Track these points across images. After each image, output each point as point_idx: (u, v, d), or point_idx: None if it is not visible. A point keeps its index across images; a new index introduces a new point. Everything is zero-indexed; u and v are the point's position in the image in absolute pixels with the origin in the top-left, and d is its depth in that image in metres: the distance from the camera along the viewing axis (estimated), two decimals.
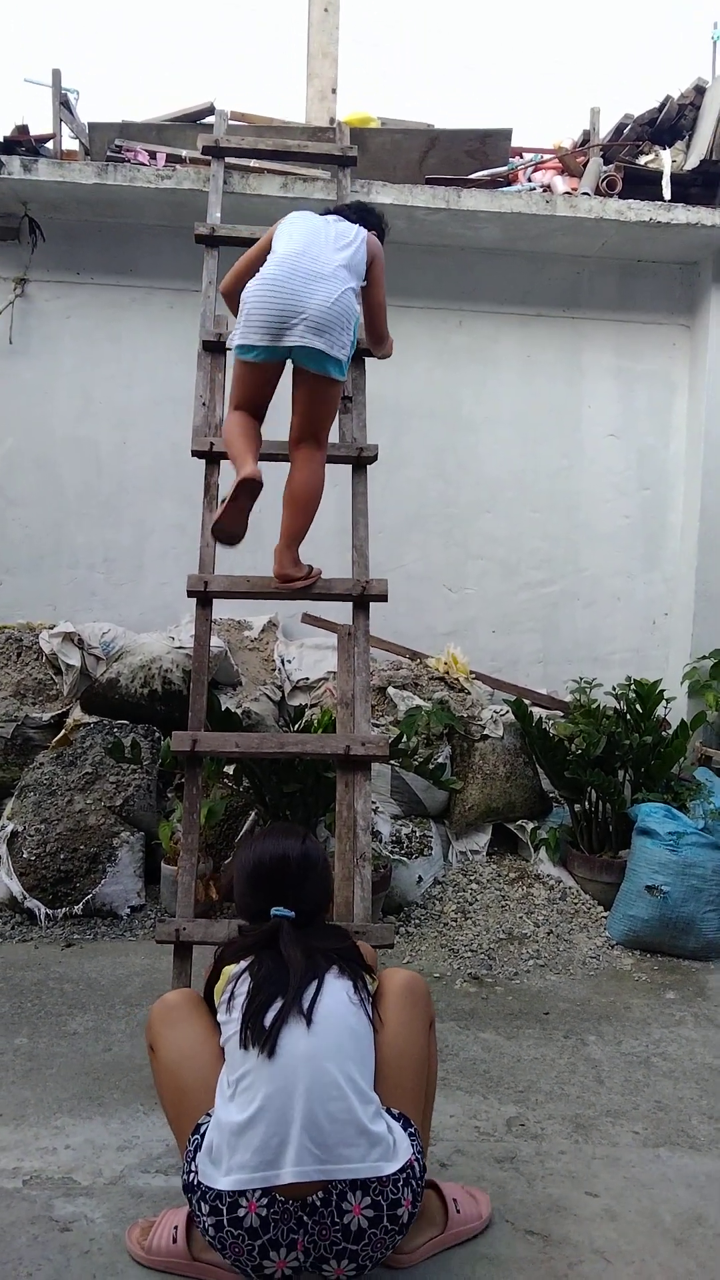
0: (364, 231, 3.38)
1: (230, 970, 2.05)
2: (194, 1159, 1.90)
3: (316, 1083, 1.83)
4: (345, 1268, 1.82)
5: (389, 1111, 1.94)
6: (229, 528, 3.13)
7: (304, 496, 3.26)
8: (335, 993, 1.96)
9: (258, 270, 3.22)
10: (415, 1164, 1.89)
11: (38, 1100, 2.73)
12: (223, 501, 3.14)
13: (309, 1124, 1.80)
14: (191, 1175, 1.89)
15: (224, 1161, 1.83)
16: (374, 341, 3.72)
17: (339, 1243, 1.80)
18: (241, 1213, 1.79)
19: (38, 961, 3.70)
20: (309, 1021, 1.88)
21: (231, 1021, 1.95)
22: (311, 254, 3.14)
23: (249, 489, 3.06)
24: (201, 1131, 1.93)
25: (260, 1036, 1.87)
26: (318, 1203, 1.80)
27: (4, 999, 3.36)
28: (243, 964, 2.03)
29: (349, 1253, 1.81)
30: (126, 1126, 2.60)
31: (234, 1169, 1.81)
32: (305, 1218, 1.80)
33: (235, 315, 3.38)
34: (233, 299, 3.48)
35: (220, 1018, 2.02)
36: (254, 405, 3.32)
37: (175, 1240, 2.04)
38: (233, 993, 1.99)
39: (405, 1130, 1.93)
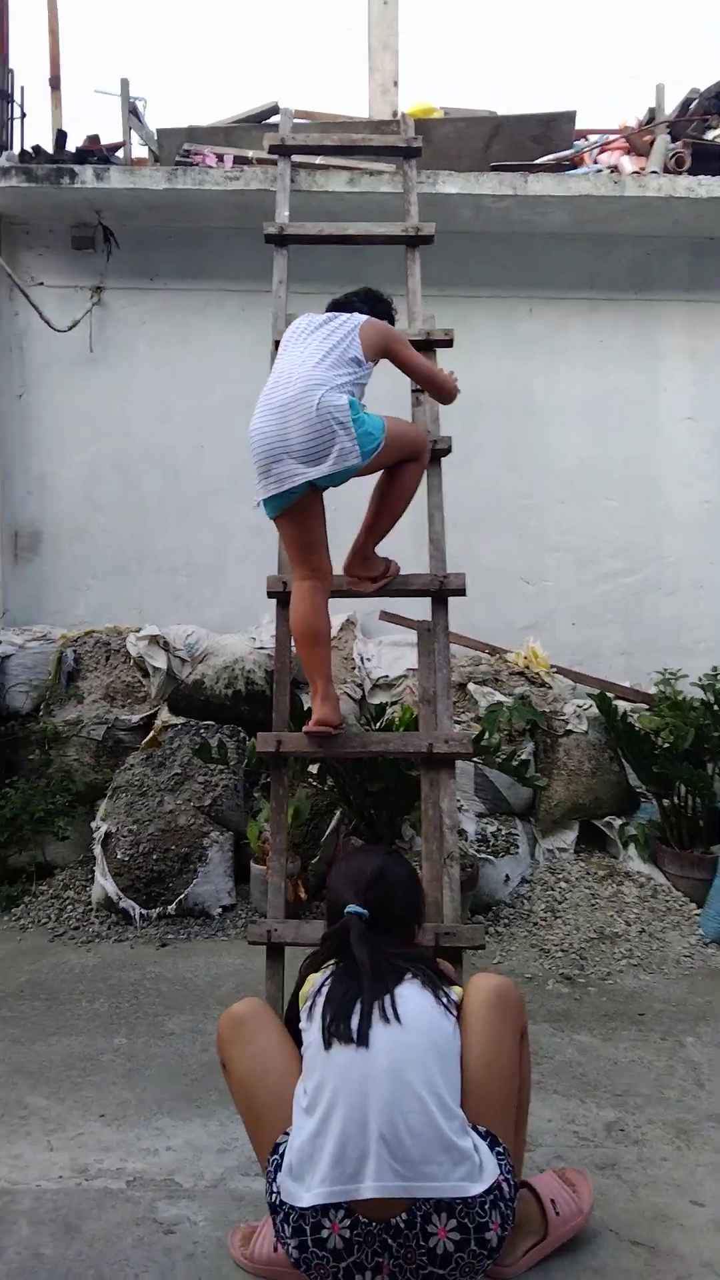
0: (356, 318, 3.04)
1: (314, 978, 2.04)
2: (275, 1179, 1.88)
3: (396, 1093, 1.78)
4: None
5: (475, 1129, 1.89)
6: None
7: (395, 495, 3.14)
8: (417, 1002, 1.91)
9: None
10: (504, 1184, 1.83)
11: (138, 1101, 2.78)
12: (305, 727, 3.01)
13: (389, 1136, 1.75)
14: (274, 1195, 1.86)
15: (305, 1178, 1.81)
16: (434, 395, 3.42)
17: (425, 1266, 1.75)
18: (325, 1234, 1.76)
19: (134, 961, 3.77)
20: (395, 1023, 1.85)
21: (312, 1029, 1.93)
22: (286, 378, 2.86)
23: (322, 740, 2.97)
24: (281, 1151, 1.90)
25: (343, 1034, 1.84)
26: (401, 1224, 1.75)
27: (103, 999, 3.44)
28: (325, 972, 2.02)
29: (436, 1277, 1.76)
30: (225, 1129, 2.63)
31: (314, 1184, 1.78)
32: (389, 1240, 1.75)
33: None
34: None
35: (303, 1025, 2.00)
36: (307, 556, 3.02)
37: (276, 1249, 2.03)
38: (314, 1000, 1.98)
39: (493, 1150, 1.87)
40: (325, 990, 1.96)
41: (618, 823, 4.68)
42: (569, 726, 4.73)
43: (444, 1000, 1.96)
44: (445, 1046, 1.90)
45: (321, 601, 3.06)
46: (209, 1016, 3.30)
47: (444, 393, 3.34)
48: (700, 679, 4.71)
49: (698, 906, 4.21)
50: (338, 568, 3.30)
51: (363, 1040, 1.83)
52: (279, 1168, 1.88)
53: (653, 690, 4.93)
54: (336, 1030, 1.86)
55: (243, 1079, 2.06)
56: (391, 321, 3.36)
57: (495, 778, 4.53)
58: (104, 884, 4.16)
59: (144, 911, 4.11)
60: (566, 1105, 2.76)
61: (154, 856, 4.18)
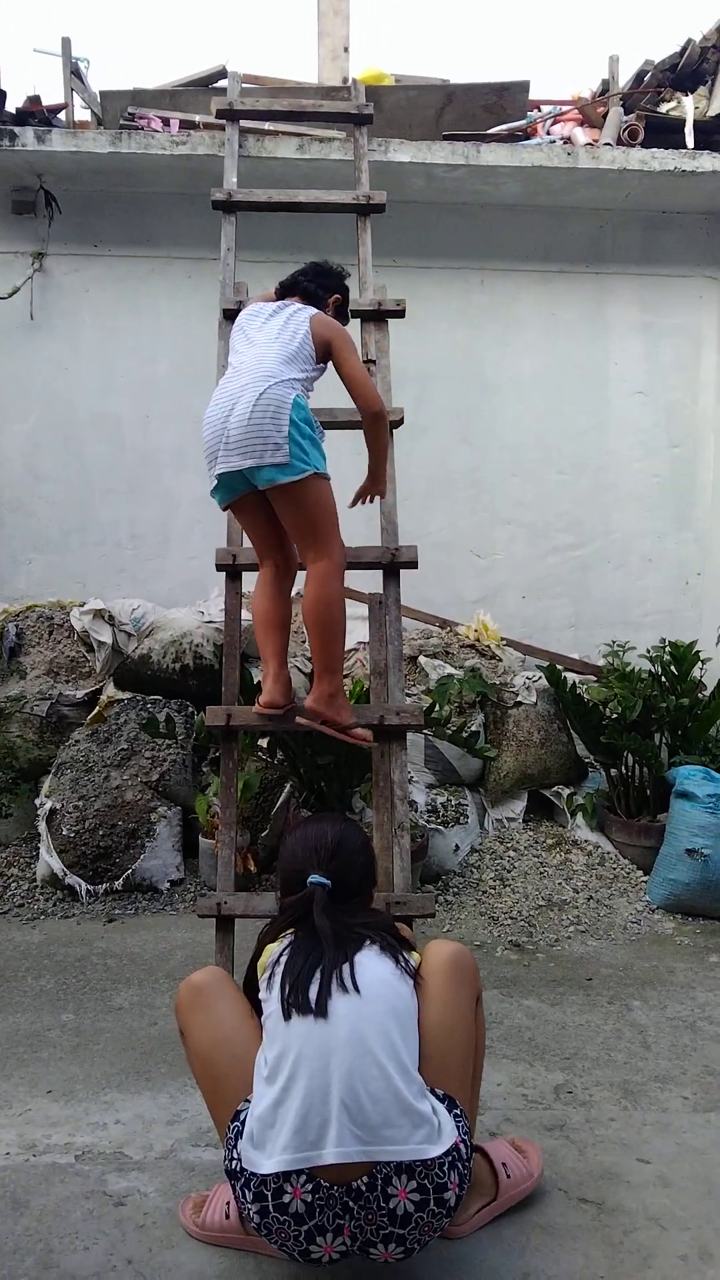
0: (307, 311, 2.97)
1: (272, 948, 2.03)
2: (235, 1145, 1.88)
3: (357, 1060, 1.79)
4: (393, 1251, 1.80)
5: (434, 1092, 1.91)
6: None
7: (319, 617, 2.84)
8: (375, 969, 1.92)
9: None
10: (462, 1146, 1.85)
11: (86, 1076, 2.75)
12: (259, 705, 2.97)
13: (350, 1103, 1.77)
14: (234, 1161, 1.86)
15: (266, 1145, 1.82)
16: (365, 423, 3.07)
17: (385, 1227, 1.78)
18: (286, 1198, 1.77)
19: (80, 938, 3.73)
20: (353, 993, 1.86)
21: (272, 999, 1.93)
22: (239, 369, 2.82)
23: (271, 718, 2.95)
24: (241, 1118, 1.90)
25: (302, 1004, 1.85)
26: (363, 1188, 1.77)
27: (49, 976, 3.39)
28: (284, 941, 2.01)
29: (396, 1236, 1.79)
30: (175, 1101, 2.62)
31: (276, 1151, 1.79)
32: (350, 1203, 1.77)
33: None
34: None
35: (262, 995, 2.00)
36: (267, 546, 3.00)
37: (228, 1216, 2.05)
38: (273, 970, 1.97)
39: (451, 1112, 1.89)
40: (284, 960, 1.96)
41: (566, 792, 4.73)
42: (519, 698, 4.76)
43: (403, 965, 1.97)
44: (404, 1012, 1.91)
45: (279, 589, 3.04)
46: (157, 990, 3.27)
47: (371, 409, 3.02)
48: (648, 650, 4.76)
49: (644, 874, 4.28)
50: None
51: (321, 1011, 1.84)
52: (239, 1135, 1.87)
53: (601, 663, 4.98)
54: (295, 1001, 1.87)
55: (202, 1047, 2.05)
56: (345, 292, 3.28)
57: (445, 749, 4.54)
58: (49, 860, 4.10)
59: (90, 887, 4.06)
60: (515, 1069, 2.79)
61: (100, 832, 4.13)
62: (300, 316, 2.93)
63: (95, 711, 4.59)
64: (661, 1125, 2.52)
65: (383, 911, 2.17)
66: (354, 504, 3.27)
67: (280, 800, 4.33)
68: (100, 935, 3.75)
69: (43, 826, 4.19)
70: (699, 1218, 2.15)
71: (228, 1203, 2.06)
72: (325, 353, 2.95)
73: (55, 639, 4.93)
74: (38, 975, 3.40)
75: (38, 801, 4.31)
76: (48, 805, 4.22)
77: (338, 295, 3.20)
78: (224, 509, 2.99)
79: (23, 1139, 2.44)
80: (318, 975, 1.89)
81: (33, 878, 4.21)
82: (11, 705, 4.63)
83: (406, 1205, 1.77)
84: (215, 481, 2.85)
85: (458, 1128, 1.87)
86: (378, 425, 3.09)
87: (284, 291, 3.17)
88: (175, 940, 3.70)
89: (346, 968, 1.89)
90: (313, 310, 3.00)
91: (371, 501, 3.30)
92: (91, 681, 4.82)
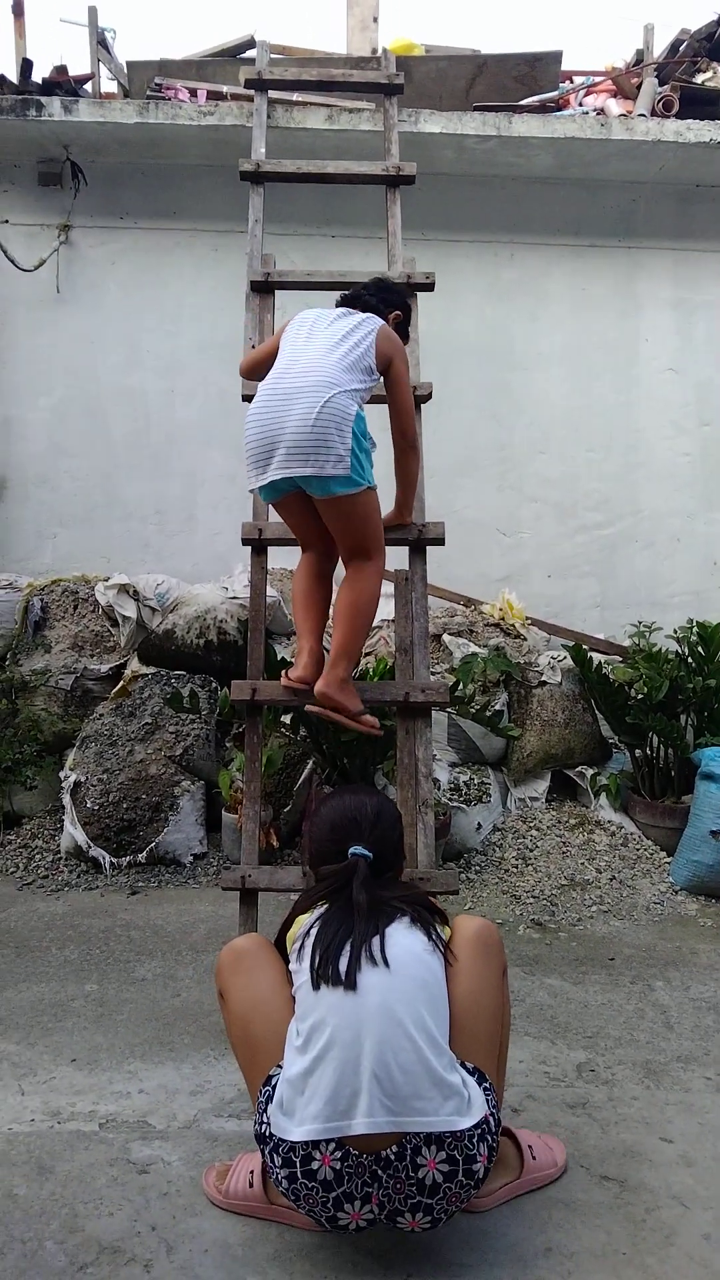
0: (374, 321, 2.91)
1: (303, 919, 2.04)
2: (266, 1110, 1.90)
3: (388, 1032, 1.81)
4: (420, 1220, 1.82)
5: (463, 1065, 1.92)
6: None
7: (355, 613, 2.86)
8: (407, 942, 1.93)
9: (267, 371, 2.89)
10: (490, 1119, 1.87)
11: (109, 1045, 2.77)
12: (286, 677, 2.99)
13: (381, 1074, 1.78)
14: (264, 1126, 1.89)
15: (296, 1113, 1.83)
16: (398, 451, 3.08)
17: (413, 1196, 1.80)
18: (315, 1165, 1.79)
19: (104, 909, 3.75)
20: (381, 966, 1.87)
21: (302, 970, 1.94)
22: (298, 367, 2.75)
23: (298, 693, 2.94)
24: (273, 1083, 1.92)
25: (331, 976, 1.86)
26: (392, 1156, 1.78)
27: (73, 946, 3.42)
28: (316, 912, 2.02)
29: (424, 1206, 1.80)
30: (198, 1071, 2.63)
31: (306, 1119, 1.81)
32: (379, 1171, 1.79)
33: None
34: (249, 382, 3.21)
35: (292, 966, 2.02)
36: (309, 540, 3.05)
37: (251, 1185, 2.06)
38: (303, 942, 1.98)
39: (480, 1085, 1.91)
40: (314, 931, 1.97)
41: (590, 772, 4.70)
42: (543, 678, 4.73)
43: (435, 939, 1.99)
44: (433, 985, 1.93)
45: (321, 571, 3.08)
46: (180, 962, 3.29)
47: (408, 438, 3.05)
48: (675, 631, 4.72)
49: (668, 855, 4.25)
50: None
51: (350, 983, 1.85)
52: (270, 1099, 1.90)
53: (626, 643, 4.94)
54: (325, 973, 1.88)
55: (240, 1009, 2.07)
56: (408, 310, 3.21)
57: (469, 728, 4.53)
58: (73, 833, 4.13)
59: (114, 860, 4.08)
60: (538, 1047, 2.78)
61: (124, 805, 4.15)
62: (368, 326, 2.87)
63: (120, 686, 4.60)
64: (684, 1105, 2.51)
65: (417, 885, 2.18)
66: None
67: (303, 777, 4.33)
68: (123, 907, 3.78)
69: (67, 799, 4.22)
70: None
71: (251, 1171, 2.07)
72: (384, 367, 2.89)
73: (80, 614, 4.94)
74: (62, 946, 3.42)
75: (62, 774, 4.33)
76: (72, 778, 4.24)
77: (398, 312, 3.12)
78: (270, 503, 2.96)
79: (48, 1106, 2.46)
80: (347, 948, 1.90)
81: (57, 850, 4.24)
82: (37, 678, 4.65)
83: (435, 1175, 1.79)
84: (259, 485, 2.80)
85: (487, 1101, 1.88)
86: (411, 454, 3.10)
87: (346, 303, 3.07)
88: (198, 913, 3.71)
89: (376, 940, 1.90)
90: (381, 322, 2.93)
91: (397, 532, 3.25)
92: (116, 656, 4.83)
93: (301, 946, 1.97)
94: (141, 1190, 2.14)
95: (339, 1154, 1.78)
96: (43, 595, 4.96)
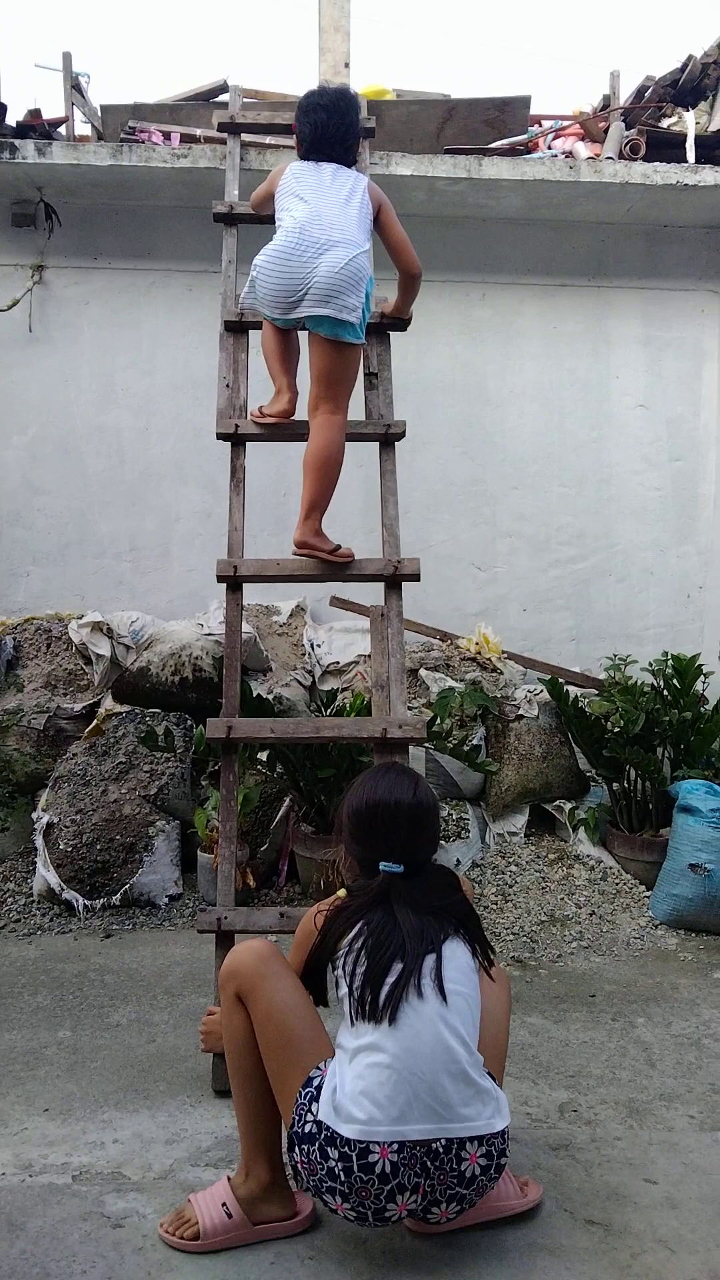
0: (362, 180, 3.35)
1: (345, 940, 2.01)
2: (307, 1110, 1.92)
3: (441, 1050, 1.89)
4: (450, 1209, 1.94)
5: (488, 1074, 2.02)
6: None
7: (323, 461, 3.23)
8: (456, 962, 1.99)
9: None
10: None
11: (83, 1094, 2.70)
12: (260, 413, 3.42)
13: (435, 1087, 1.88)
14: (307, 1125, 1.90)
15: (352, 1118, 1.87)
16: (401, 266, 3.52)
17: (453, 1187, 1.91)
18: (373, 1159, 1.85)
19: (77, 953, 3.68)
20: (441, 993, 1.92)
21: (344, 986, 1.97)
22: (320, 219, 3.16)
23: (274, 427, 3.40)
24: (315, 1084, 1.94)
25: (379, 1009, 1.90)
26: (440, 1149, 1.88)
27: (45, 992, 3.35)
28: (353, 931, 1.99)
29: (459, 1196, 1.93)
30: (174, 1119, 2.57)
31: (360, 1123, 1.86)
32: (429, 1163, 1.88)
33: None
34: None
35: (338, 973, 2.00)
36: (287, 370, 3.50)
37: (230, 1215, 2.05)
38: (350, 946, 1.96)
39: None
40: (363, 947, 1.95)
41: (568, 806, 4.69)
42: (520, 711, 4.73)
43: (479, 958, 2.05)
44: (474, 999, 2.02)
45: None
46: (156, 1007, 3.23)
47: (413, 271, 3.53)
48: (650, 664, 4.74)
49: (647, 889, 4.23)
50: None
51: (404, 1008, 1.90)
52: (314, 1099, 1.93)
53: (602, 676, 4.95)
54: (376, 1000, 1.91)
55: (277, 1009, 2.03)
56: (362, 128, 3.67)
57: (446, 763, 4.51)
58: (46, 875, 4.06)
59: (87, 902, 4.02)
60: (519, 1087, 2.74)
61: (98, 846, 4.09)
62: (359, 186, 3.30)
63: (93, 725, 4.55)
64: (668, 1145, 2.48)
65: (455, 877, 2.14)
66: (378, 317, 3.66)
67: (280, 814, 4.29)
68: (97, 951, 3.71)
69: (40, 840, 4.15)
70: (708, 1240, 2.11)
71: (223, 1204, 2.06)
72: (375, 214, 3.35)
73: (53, 652, 4.90)
74: (34, 991, 3.35)
75: (35, 815, 4.26)
76: (45, 819, 4.18)
77: (365, 131, 3.66)
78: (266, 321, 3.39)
79: (19, 1158, 2.40)
80: (397, 966, 1.92)
81: (29, 893, 4.17)
82: (9, 718, 4.59)
83: (474, 1169, 1.92)
84: (278, 315, 3.25)
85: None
86: (415, 283, 3.60)
87: (325, 155, 3.36)
88: (174, 956, 3.65)
89: (431, 961, 1.94)
90: (366, 178, 3.38)
91: (389, 317, 3.70)
92: (90, 694, 4.79)
93: (348, 951, 1.96)
94: (115, 1245, 2.08)
95: (395, 1146, 1.86)
96: (15, 634, 4.92)
